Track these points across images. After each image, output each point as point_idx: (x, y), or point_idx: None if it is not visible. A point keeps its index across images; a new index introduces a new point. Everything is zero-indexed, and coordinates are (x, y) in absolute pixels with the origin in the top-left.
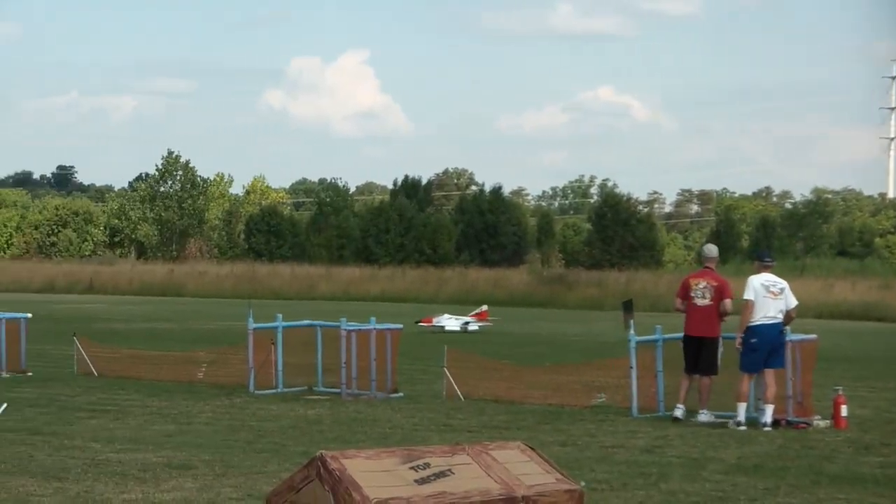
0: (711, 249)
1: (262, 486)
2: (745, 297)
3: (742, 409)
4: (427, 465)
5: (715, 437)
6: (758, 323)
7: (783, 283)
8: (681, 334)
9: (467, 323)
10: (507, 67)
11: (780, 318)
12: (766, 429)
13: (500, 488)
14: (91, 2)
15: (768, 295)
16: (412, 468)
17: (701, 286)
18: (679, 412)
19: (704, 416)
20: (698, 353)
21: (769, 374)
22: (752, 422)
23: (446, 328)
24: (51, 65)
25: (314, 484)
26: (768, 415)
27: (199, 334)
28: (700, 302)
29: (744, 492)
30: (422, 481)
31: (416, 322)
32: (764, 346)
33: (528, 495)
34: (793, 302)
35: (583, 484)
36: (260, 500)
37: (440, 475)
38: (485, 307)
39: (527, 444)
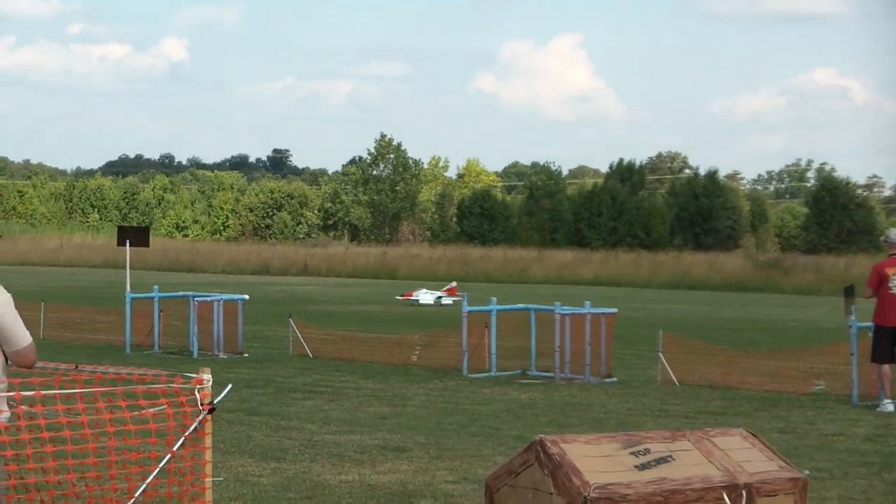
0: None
1: (477, 470)
2: None
3: None
4: (647, 451)
5: None
6: None
7: None
8: None
9: (440, 297)
10: (722, 50)
11: None
12: None
13: (721, 475)
14: None
15: None
16: (632, 453)
17: (892, 274)
18: (891, 405)
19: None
20: (894, 343)
21: None
22: None
23: (421, 301)
24: (267, 50)
25: (533, 468)
26: None
27: (413, 317)
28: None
29: None
30: (642, 467)
31: (399, 297)
32: None
33: (750, 483)
34: None
35: (807, 472)
36: (475, 484)
37: (661, 461)
38: (454, 283)
39: (749, 431)
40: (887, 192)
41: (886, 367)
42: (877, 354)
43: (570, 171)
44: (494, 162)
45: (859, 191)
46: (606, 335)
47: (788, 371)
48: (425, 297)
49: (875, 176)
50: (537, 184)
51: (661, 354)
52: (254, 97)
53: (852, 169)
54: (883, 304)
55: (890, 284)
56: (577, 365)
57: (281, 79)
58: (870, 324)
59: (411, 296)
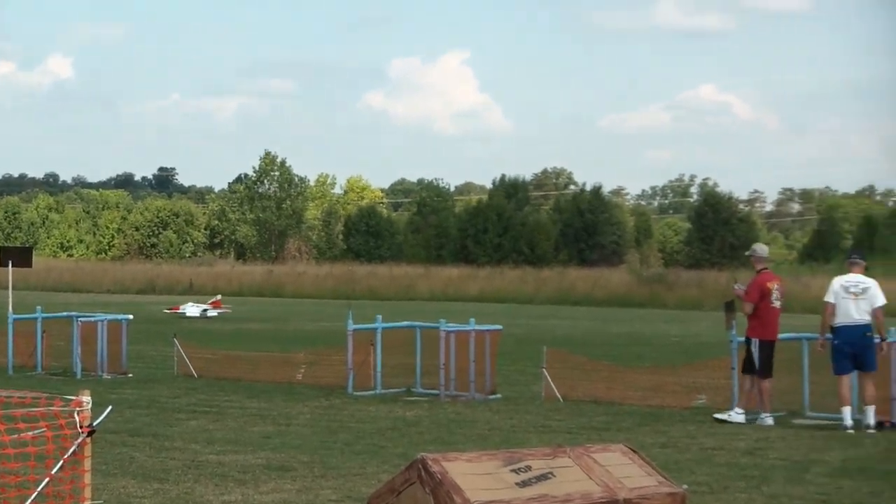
0: (765, 249)
1: (362, 488)
2: (825, 299)
3: (846, 412)
4: (528, 468)
5: (818, 439)
6: (840, 324)
7: (867, 283)
8: (781, 335)
9: (206, 310)
10: (608, 66)
11: (863, 319)
12: (870, 431)
13: (601, 491)
14: (194, 5)
15: (848, 296)
16: (513, 471)
17: (776, 288)
18: (770, 419)
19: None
20: (772, 356)
21: (864, 377)
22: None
23: (188, 314)
24: (154, 67)
25: (415, 487)
26: (870, 416)
27: (298, 335)
28: (778, 304)
29: (848, 495)
30: (523, 484)
31: (166, 310)
32: (846, 348)
33: (629, 498)
34: (878, 301)
35: (685, 486)
36: (359, 502)
37: (541, 478)
38: (219, 296)
39: (629, 447)
40: (769, 207)
41: (768, 383)
42: (766, 370)
43: (456, 187)
44: (382, 179)
45: (741, 206)
46: (491, 352)
47: (671, 386)
48: (192, 310)
49: (757, 191)
50: (426, 200)
51: (544, 370)
52: (140, 115)
53: (734, 184)
54: (767, 318)
55: (772, 298)
56: (462, 382)
57: (167, 96)
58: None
59: (178, 309)
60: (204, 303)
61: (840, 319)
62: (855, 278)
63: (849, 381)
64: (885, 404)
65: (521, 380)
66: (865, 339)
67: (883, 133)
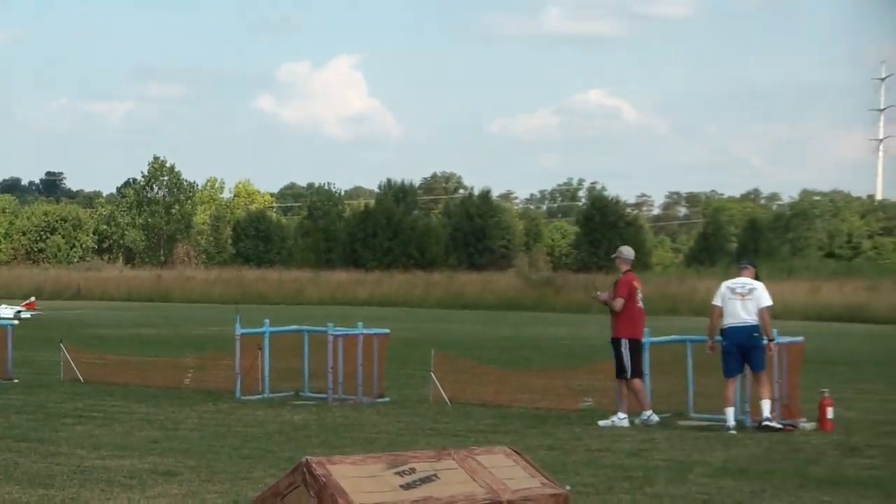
0: (631, 251)
1: (248, 492)
2: (713, 302)
3: (730, 413)
4: (412, 471)
5: (702, 440)
6: (726, 325)
7: (753, 284)
8: (664, 338)
9: (20, 311)
10: (497, 71)
11: (751, 319)
12: (770, 424)
13: (484, 493)
14: (83, 9)
15: (734, 297)
16: (397, 473)
17: (639, 288)
18: (627, 421)
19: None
20: (641, 356)
21: (757, 376)
22: (741, 425)
23: (1, 315)
24: (42, 71)
25: (300, 490)
26: (766, 409)
27: (187, 340)
28: (641, 305)
29: (729, 495)
30: (407, 486)
31: None
32: (734, 349)
33: (512, 500)
34: (764, 302)
35: (568, 488)
36: None
37: (425, 480)
38: (33, 298)
39: (512, 449)
40: (656, 211)
41: (639, 382)
42: (638, 369)
43: (345, 191)
44: (271, 183)
45: (629, 209)
46: (379, 355)
47: (558, 388)
48: (5, 311)
49: (644, 195)
50: (315, 204)
51: (432, 374)
52: (27, 119)
53: (622, 188)
54: (635, 317)
55: (638, 298)
56: (350, 385)
57: (55, 100)
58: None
59: None
60: (17, 305)
61: (728, 320)
62: (741, 280)
63: (734, 383)
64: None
65: (410, 383)
66: (753, 339)
67: (769, 137)
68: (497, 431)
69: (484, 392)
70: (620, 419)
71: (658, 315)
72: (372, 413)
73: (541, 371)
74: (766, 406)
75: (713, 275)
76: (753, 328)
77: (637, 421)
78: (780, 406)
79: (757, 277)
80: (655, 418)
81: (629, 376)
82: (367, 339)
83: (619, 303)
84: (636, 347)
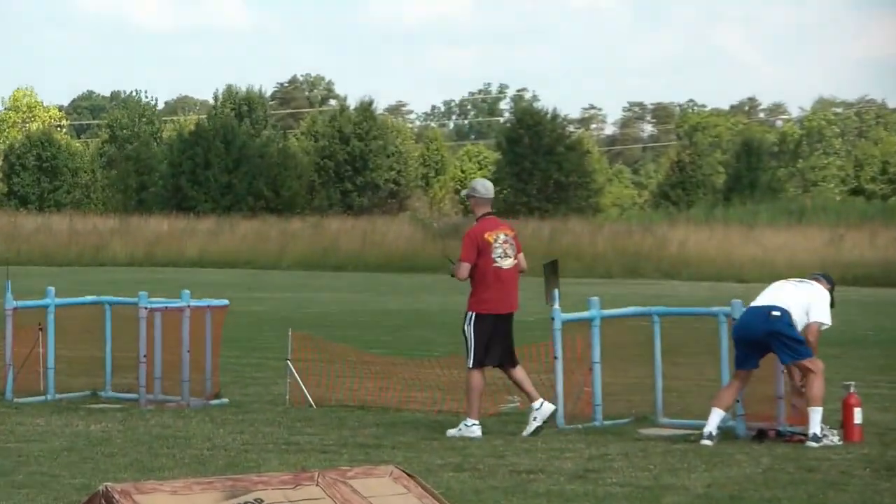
0: (488, 187)
1: None
2: (822, 320)
3: (716, 417)
4: (259, 501)
5: (675, 455)
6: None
7: (817, 288)
8: (621, 310)
9: None
10: None
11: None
12: (783, 429)
13: None
14: None
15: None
16: None
17: (501, 240)
18: (477, 429)
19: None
20: (508, 336)
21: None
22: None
23: None
24: None
25: None
26: (815, 423)
27: None
28: (505, 263)
29: None
30: None
31: None
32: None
33: None
34: (818, 315)
35: None
36: None
37: None
38: None
39: (402, 470)
40: (609, 130)
41: (479, 377)
42: (480, 356)
43: (167, 103)
44: (60, 93)
45: (570, 127)
46: (214, 338)
47: None
48: None
49: (593, 107)
50: (122, 122)
51: (290, 363)
52: None
53: (561, 97)
54: (487, 282)
55: (493, 256)
56: (171, 382)
57: None
58: (585, 314)
59: None
60: None
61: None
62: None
63: (741, 379)
64: (769, 407)
65: (259, 377)
66: (772, 321)
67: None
68: (382, 445)
69: (364, 389)
70: (466, 426)
71: (614, 278)
72: (203, 420)
73: (445, 358)
74: (814, 417)
75: (690, 221)
76: (773, 308)
77: (451, 432)
78: (787, 406)
79: (832, 302)
80: (477, 432)
81: (469, 365)
82: (197, 314)
83: (462, 269)
84: (485, 325)
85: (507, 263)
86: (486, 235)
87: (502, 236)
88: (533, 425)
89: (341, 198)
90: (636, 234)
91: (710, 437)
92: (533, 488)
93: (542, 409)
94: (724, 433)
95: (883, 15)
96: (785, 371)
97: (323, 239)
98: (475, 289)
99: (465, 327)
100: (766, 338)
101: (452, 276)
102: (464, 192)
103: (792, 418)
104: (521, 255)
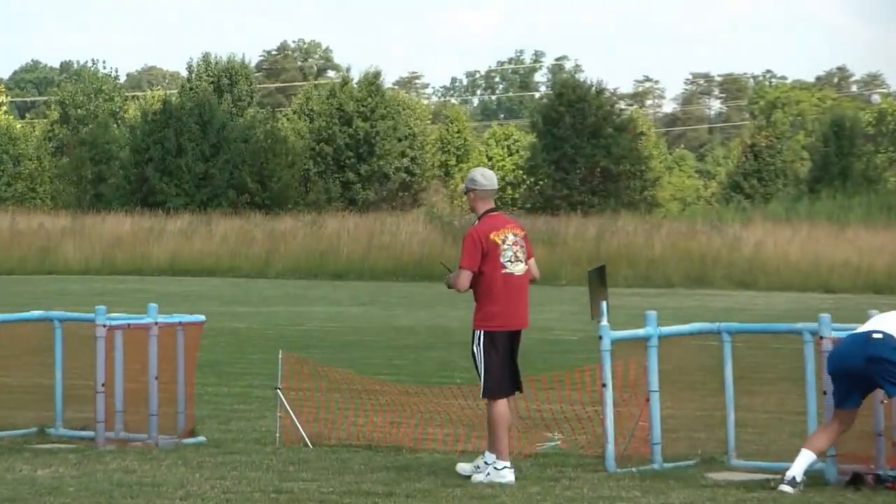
0: (490, 177)
1: None
2: None
3: (805, 459)
4: None
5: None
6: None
7: None
8: (682, 327)
9: None
10: None
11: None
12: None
13: None
14: None
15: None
16: None
17: (510, 241)
18: (509, 473)
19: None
20: (511, 361)
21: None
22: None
23: None
24: None
25: None
26: None
27: None
28: (516, 269)
29: None
30: None
31: None
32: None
33: None
34: None
35: None
36: None
37: None
38: None
39: None
40: (669, 107)
41: (503, 408)
42: (498, 384)
43: (128, 75)
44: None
45: (620, 104)
46: (187, 362)
47: None
48: None
49: (648, 79)
50: (76, 99)
51: (280, 393)
52: None
53: (608, 67)
54: (496, 293)
55: (502, 260)
56: (136, 416)
57: None
58: (640, 332)
59: None
60: None
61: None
62: None
63: (845, 420)
64: (867, 445)
65: (242, 410)
66: (872, 345)
67: None
68: (394, 493)
69: (371, 425)
70: (497, 469)
71: (675, 288)
72: (175, 464)
73: (469, 386)
74: None
75: (768, 218)
76: (874, 331)
77: (463, 469)
78: (888, 446)
79: None
80: (510, 477)
81: (482, 395)
82: (167, 332)
83: (463, 278)
84: (499, 345)
85: (518, 269)
86: (491, 236)
87: (511, 237)
88: (476, 475)
89: (342, 191)
90: (701, 234)
91: (793, 483)
92: None
93: (501, 474)
94: (811, 478)
95: None
96: (887, 402)
97: (320, 241)
98: (480, 301)
99: (475, 348)
100: (866, 366)
101: (449, 286)
102: (463, 186)
103: (894, 460)
104: (532, 261)
